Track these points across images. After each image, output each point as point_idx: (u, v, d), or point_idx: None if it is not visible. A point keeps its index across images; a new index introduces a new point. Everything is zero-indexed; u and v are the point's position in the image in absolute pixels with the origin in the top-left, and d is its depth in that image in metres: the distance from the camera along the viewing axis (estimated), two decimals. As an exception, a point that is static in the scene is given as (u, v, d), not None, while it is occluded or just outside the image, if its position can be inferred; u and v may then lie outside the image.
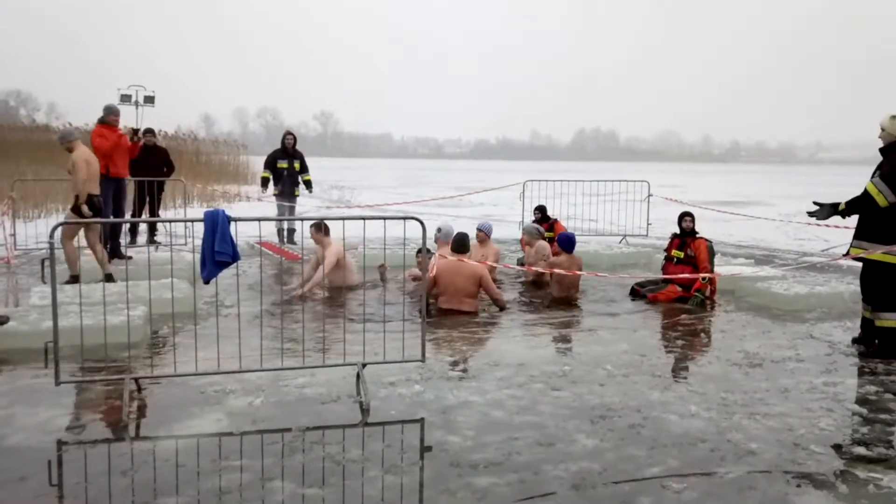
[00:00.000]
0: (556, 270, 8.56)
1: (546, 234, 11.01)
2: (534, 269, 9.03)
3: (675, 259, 8.92)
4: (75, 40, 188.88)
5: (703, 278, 8.57)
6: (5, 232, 11.26)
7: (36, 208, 16.92)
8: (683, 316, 8.05)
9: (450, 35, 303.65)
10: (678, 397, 5.33)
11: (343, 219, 5.54)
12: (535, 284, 9.65)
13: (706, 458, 4.27)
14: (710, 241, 9.03)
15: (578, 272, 8.81)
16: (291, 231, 13.37)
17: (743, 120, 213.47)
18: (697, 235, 8.99)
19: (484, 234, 9.95)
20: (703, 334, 7.37)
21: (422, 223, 5.40)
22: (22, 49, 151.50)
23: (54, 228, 4.81)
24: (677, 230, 9.14)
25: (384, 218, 5.66)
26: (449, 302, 7.84)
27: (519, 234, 12.15)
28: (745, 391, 5.47)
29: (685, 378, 5.85)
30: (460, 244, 8.16)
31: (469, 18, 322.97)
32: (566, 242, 9.04)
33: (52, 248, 4.81)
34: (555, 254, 9.29)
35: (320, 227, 8.68)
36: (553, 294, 8.82)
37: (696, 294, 8.58)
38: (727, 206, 20.44)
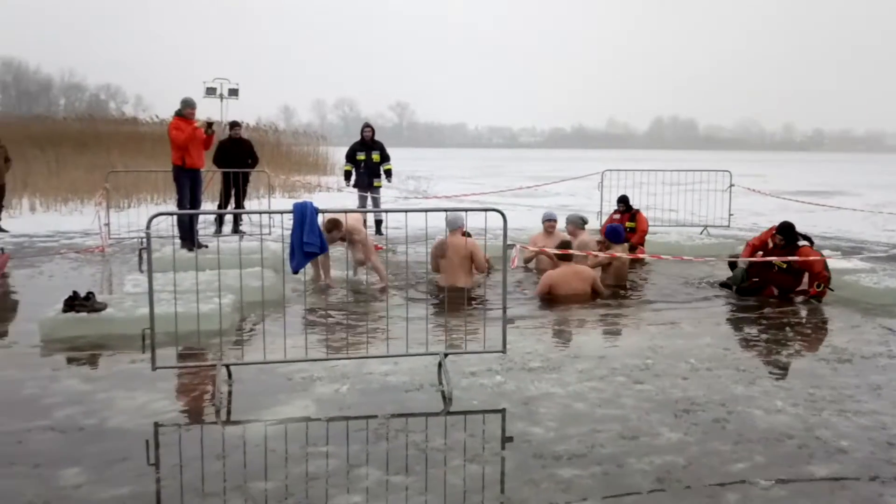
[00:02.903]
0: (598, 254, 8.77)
1: (628, 225, 10.91)
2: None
3: (777, 268, 8.43)
4: (160, 34, 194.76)
5: (818, 285, 8.23)
6: (100, 222, 11.75)
7: (127, 198, 17.56)
8: (767, 309, 7.87)
9: (523, 23, 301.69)
10: (763, 392, 5.23)
11: (426, 210, 5.60)
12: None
13: (794, 455, 4.19)
14: (813, 243, 8.60)
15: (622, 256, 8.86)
16: (378, 222, 13.54)
17: (827, 106, 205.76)
18: (800, 244, 8.42)
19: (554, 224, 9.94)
20: (788, 328, 7.20)
21: (503, 215, 5.43)
22: (111, 43, 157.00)
23: (151, 219, 5.01)
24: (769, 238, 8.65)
25: (465, 210, 5.72)
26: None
27: (597, 225, 12.04)
28: (834, 387, 5.34)
29: (770, 373, 5.73)
30: (567, 245, 8.38)
31: (542, 5, 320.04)
32: (612, 234, 9.14)
33: (148, 238, 5.02)
34: (603, 247, 9.17)
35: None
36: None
37: (814, 300, 8.25)
38: (810, 196, 19.84)
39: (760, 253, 8.49)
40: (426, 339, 5.68)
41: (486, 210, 5.53)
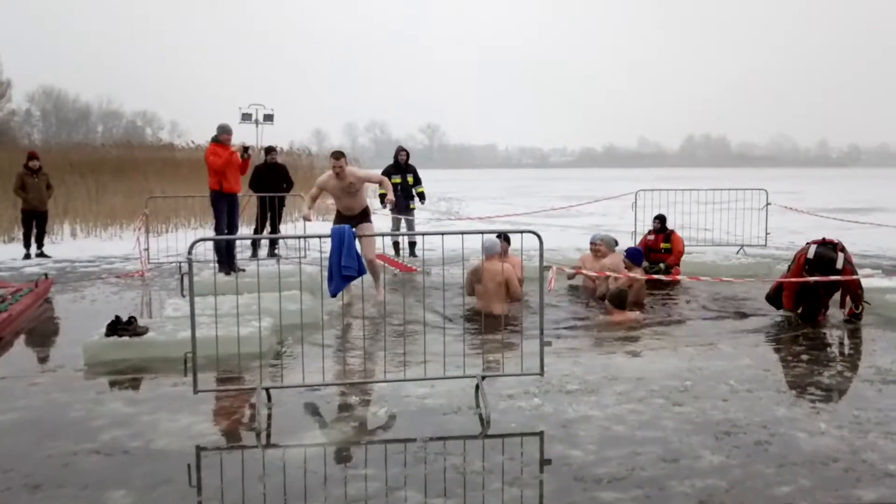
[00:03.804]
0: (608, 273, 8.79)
1: (662, 246, 10.86)
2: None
3: (822, 290, 8.05)
4: (194, 61, 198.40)
5: (857, 306, 8.03)
6: (139, 247, 11.97)
7: (165, 223, 17.86)
8: (807, 330, 7.77)
9: (552, 43, 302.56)
10: (806, 414, 5.17)
11: (462, 233, 5.64)
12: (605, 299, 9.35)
13: (840, 479, 4.12)
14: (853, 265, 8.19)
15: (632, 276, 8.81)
16: (412, 244, 13.63)
17: (862, 121, 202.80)
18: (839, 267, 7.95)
19: (599, 246, 9.86)
20: (829, 349, 7.10)
21: (539, 236, 5.44)
22: (147, 71, 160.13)
23: (192, 245, 5.11)
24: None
25: (501, 232, 5.74)
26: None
27: (632, 243, 11.97)
28: (880, 409, 5.25)
29: (813, 394, 5.65)
30: (622, 304, 8.27)
31: (571, 24, 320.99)
32: (634, 256, 9.32)
33: (189, 262, 5.11)
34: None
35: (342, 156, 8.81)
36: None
37: (854, 318, 8.06)
38: (848, 214, 19.57)
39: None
40: (463, 361, 5.69)
41: (521, 232, 5.56)
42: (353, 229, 5.28)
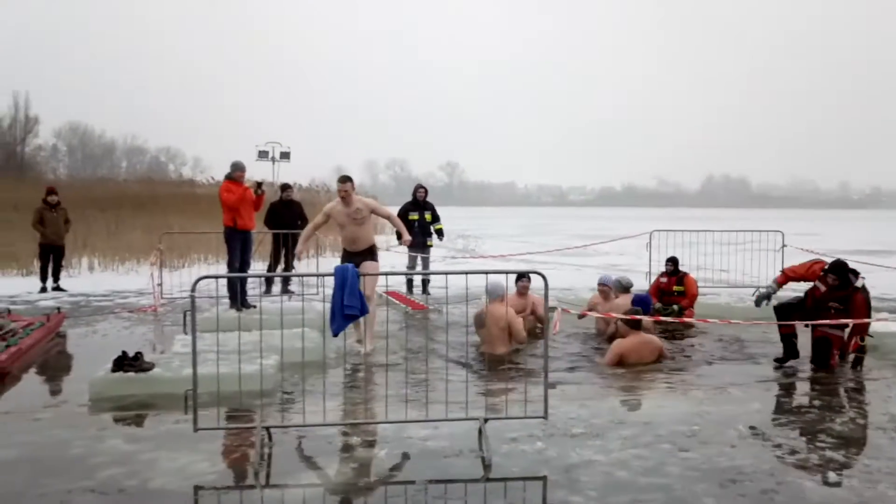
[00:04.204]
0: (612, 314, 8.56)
1: (675, 289, 10.75)
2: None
3: (833, 310, 7.84)
4: (219, 98, 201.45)
5: (862, 338, 7.87)
6: (153, 282, 12.03)
7: (181, 258, 17.97)
8: (821, 374, 7.63)
9: (571, 82, 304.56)
10: (815, 462, 5.05)
11: (466, 273, 5.61)
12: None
13: (848, 531, 4.02)
14: (867, 293, 7.96)
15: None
16: (425, 282, 13.61)
17: (885, 164, 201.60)
18: (857, 286, 7.85)
19: (606, 288, 9.77)
20: (843, 394, 6.96)
21: (544, 277, 5.41)
22: (172, 107, 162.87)
23: (196, 281, 5.11)
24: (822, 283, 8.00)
25: (506, 272, 5.71)
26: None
27: (645, 286, 11.88)
28: (892, 458, 5.12)
29: (823, 441, 5.52)
30: (637, 324, 8.18)
31: (591, 63, 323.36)
32: (641, 305, 8.99)
33: (192, 300, 5.12)
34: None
35: (353, 183, 8.60)
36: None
37: (858, 355, 7.90)
38: (868, 256, 19.32)
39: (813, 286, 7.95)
40: (466, 403, 5.63)
41: (527, 273, 5.52)
42: (357, 268, 5.27)
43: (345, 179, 8.53)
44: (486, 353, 8.08)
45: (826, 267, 7.91)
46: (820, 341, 7.89)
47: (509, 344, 8.23)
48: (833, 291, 7.82)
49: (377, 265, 8.56)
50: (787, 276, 8.27)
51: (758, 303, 8.42)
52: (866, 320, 7.78)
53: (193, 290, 5.08)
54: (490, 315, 8.09)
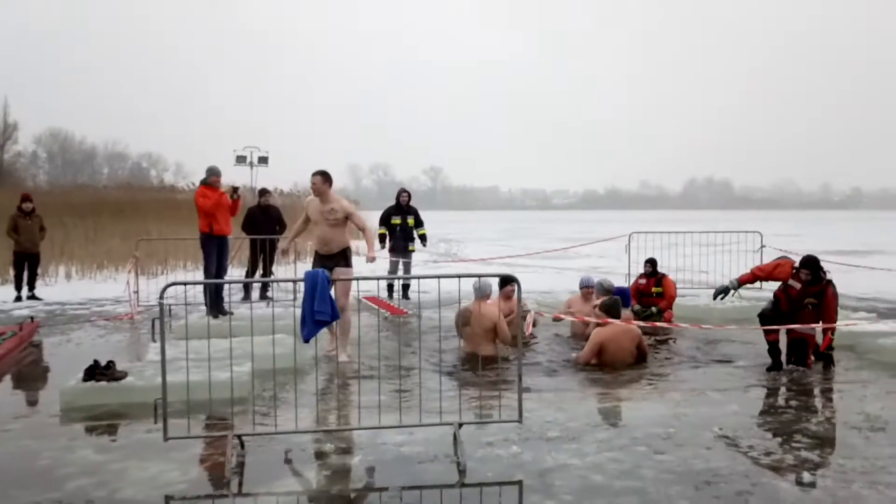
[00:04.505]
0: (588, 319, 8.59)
1: (654, 290, 10.76)
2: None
3: (810, 306, 7.84)
4: (200, 103, 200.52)
5: (833, 333, 7.88)
6: (129, 289, 11.91)
7: (160, 265, 17.83)
8: (798, 375, 7.63)
9: (555, 85, 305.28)
10: (790, 463, 5.05)
11: (438, 277, 5.58)
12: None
13: (820, 532, 4.01)
14: (834, 285, 7.97)
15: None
16: (406, 286, 13.56)
17: (865, 165, 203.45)
18: (827, 280, 7.86)
19: (590, 291, 9.77)
20: (819, 395, 6.98)
21: (517, 281, 5.38)
22: (154, 113, 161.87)
23: (165, 288, 5.05)
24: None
25: (479, 276, 5.68)
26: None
27: (626, 285, 11.87)
28: (866, 458, 5.13)
29: (799, 442, 5.52)
30: (615, 309, 8.20)
31: (574, 68, 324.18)
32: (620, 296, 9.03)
33: (161, 307, 5.05)
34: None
35: (326, 177, 8.25)
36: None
37: (828, 352, 7.95)
38: (847, 256, 19.48)
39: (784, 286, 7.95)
40: (440, 408, 5.58)
41: (498, 276, 5.50)
42: (328, 273, 5.22)
43: (316, 173, 8.29)
44: (467, 354, 8.03)
45: (796, 265, 7.92)
46: (797, 342, 7.91)
47: (494, 344, 8.15)
48: (807, 287, 7.82)
49: (351, 271, 8.33)
50: (754, 275, 8.24)
51: (715, 296, 8.44)
52: (847, 322, 7.81)
53: (162, 296, 5.01)
54: (475, 314, 8.04)
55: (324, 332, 6.97)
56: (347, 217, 8.25)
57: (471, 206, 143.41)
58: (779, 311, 7.97)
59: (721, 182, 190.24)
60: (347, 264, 8.32)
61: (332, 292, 5.14)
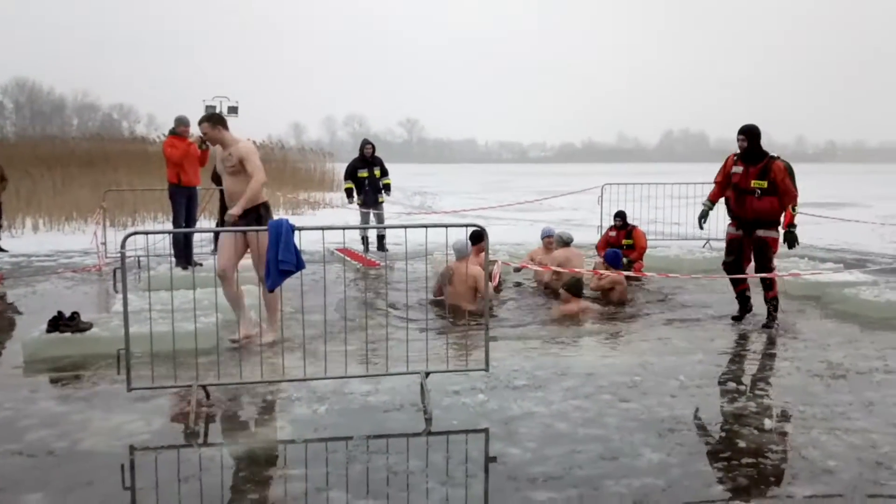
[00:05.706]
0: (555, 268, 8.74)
1: (624, 242, 10.78)
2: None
3: (758, 192, 7.42)
4: (172, 53, 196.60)
5: (794, 208, 7.96)
6: (97, 241, 11.75)
7: (130, 217, 17.60)
8: (763, 323, 7.67)
9: (532, 37, 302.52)
10: (753, 411, 5.11)
11: (405, 227, 5.53)
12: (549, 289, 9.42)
13: (778, 476, 4.07)
14: (787, 163, 7.73)
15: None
16: (381, 237, 13.52)
17: (839, 118, 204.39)
18: (773, 157, 7.52)
19: (551, 240, 10.00)
20: (783, 344, 7.06)
21: (483, 231, 5.34)
22: (125, 63, 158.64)
23: (125, 238, 4.95)
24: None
25: (446, 226, 5.64)
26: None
27: (596, 239, 11.90)
28: (826, 404, 5.20)
29: (762, 390, 5.60)
30: (576, 287, 8.30)
31: (553, 20, 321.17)
32: (612, 260, 9.34)
33: (122, 257, 4.96)
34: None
35: (214, 121, 6.97)
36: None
37: (790, 230, 8.10)
38: (819, 209, 19.62)
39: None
40: (406, 357, 5.57)
41: (466, 226, 5.46)
42: (292, 223, 5.13)
43: (201, 119, 7.06)
44: (448, 306, 8.06)
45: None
46: (759, 243, 7.60)
47: (475, 300, 8.19)
48: (748, 165, 7.48)
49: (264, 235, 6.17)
50: (716, 184, 7.92)
51: (699, 222, 8.28)
52: (813, 272, 7.84)
53: (123, 245, 4.92)
54: (457, 273, 8.12)
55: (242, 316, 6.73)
56: (240, 161, 6.75)
57: (447, 159, 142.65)
58: (737, 253, 7.76)
59: (697, 134, 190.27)
60: (261, 223, 6.59)
61: (297, 241, 5.06)
